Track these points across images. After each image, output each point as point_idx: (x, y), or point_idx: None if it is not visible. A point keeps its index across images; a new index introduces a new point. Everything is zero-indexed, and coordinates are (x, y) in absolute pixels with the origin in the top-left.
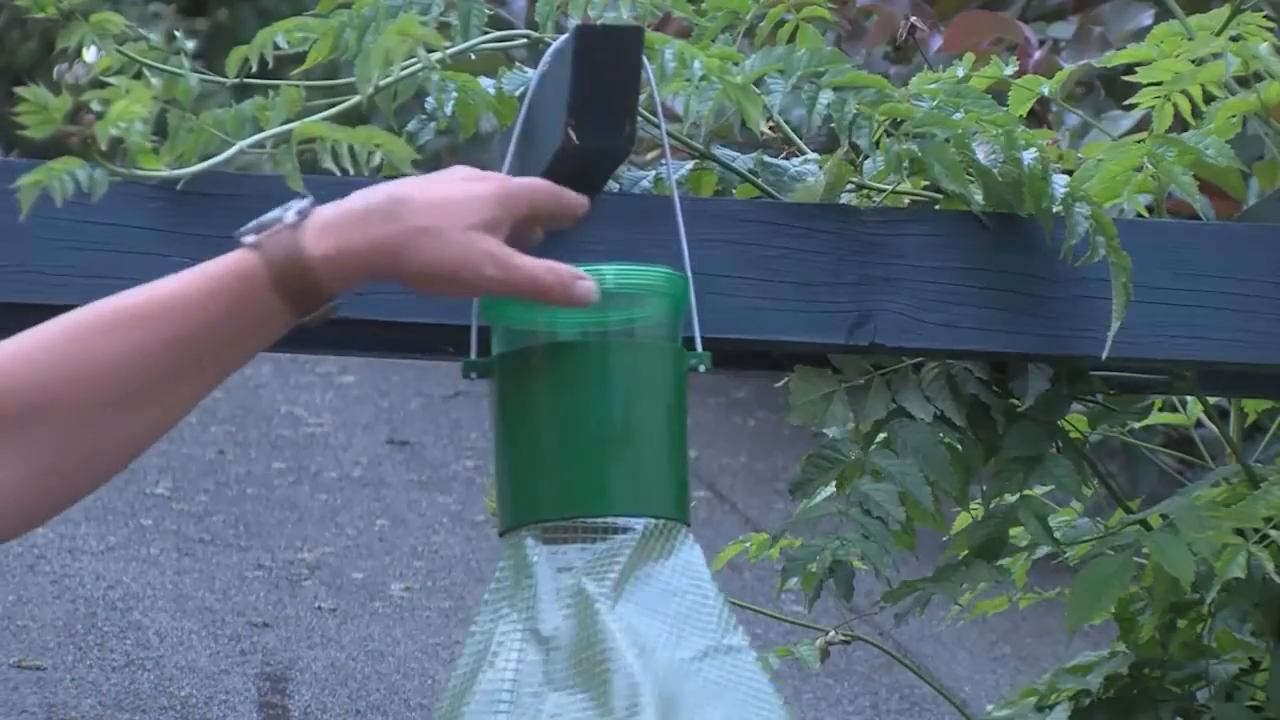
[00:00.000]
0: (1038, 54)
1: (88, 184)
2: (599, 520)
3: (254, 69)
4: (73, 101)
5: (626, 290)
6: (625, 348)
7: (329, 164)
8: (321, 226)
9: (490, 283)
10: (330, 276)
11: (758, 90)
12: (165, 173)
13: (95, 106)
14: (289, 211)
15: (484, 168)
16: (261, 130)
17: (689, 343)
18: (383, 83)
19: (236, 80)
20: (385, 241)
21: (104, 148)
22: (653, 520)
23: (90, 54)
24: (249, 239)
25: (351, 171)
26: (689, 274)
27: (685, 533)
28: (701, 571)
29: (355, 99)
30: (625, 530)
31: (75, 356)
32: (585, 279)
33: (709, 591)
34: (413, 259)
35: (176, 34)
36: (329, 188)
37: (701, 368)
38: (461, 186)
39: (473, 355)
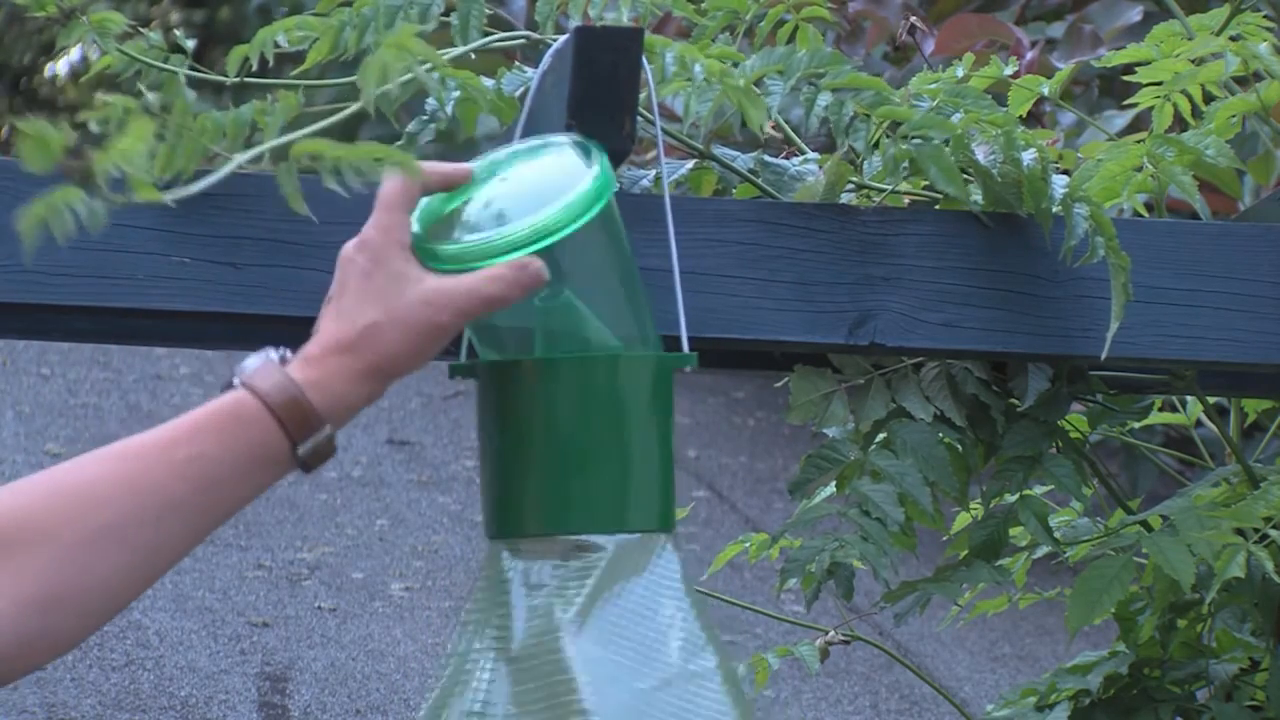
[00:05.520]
0: (1031, 54)
1: (87, 217)
2: (572, 539)
3: (254, 68)
4: (72, 136)
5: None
6: (605, 361)
7: (333, 185)
8: (303, 359)
9: (452, 321)
10: (321, 400)
11: (758, 91)
12: (164, 198)
13: (92, 126)
14: (267, 354)
15: None
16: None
17: (674, 341)
18: (379, 90)
19: (236, 80)
20: (369, 365)
21: (102, 183)
22: (628, 536)
23: (76, 53)
24: (235, 382)
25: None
26: (677, 277)
27: (664, 542)
28: (676, 585)
29: (355, 106)
30: (597, 549)
31: (61, 489)
32: (530, 264)
33: (682, 607)
34: (394, 366)
35: (177, 31)
36: (332, 204)
37: (688, 368)
38: (389, 283)
39: (462, 358)
